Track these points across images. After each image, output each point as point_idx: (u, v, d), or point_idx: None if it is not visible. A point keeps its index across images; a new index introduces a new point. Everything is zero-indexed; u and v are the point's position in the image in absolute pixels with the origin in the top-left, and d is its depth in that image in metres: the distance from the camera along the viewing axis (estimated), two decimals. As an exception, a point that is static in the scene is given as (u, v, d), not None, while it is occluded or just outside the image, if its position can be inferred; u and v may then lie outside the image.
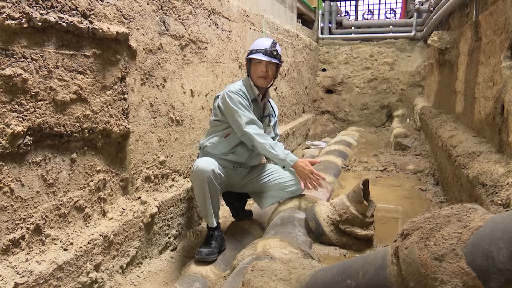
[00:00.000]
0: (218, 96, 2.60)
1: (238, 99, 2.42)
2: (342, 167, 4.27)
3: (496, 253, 0.88)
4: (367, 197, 2.17)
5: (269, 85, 2.61)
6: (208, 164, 2.28)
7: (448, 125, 3.50)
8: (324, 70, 8.89)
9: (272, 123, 2.76)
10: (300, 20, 7.57)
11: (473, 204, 1.05)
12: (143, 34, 2.30)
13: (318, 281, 1.34)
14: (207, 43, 3.14)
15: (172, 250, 2.61)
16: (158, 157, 2.53)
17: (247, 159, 2.62)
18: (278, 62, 2.52)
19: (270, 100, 2.77)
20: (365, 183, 2.15)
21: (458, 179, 2.44)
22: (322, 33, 9.06)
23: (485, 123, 2.51)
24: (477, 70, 2.86)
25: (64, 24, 1.67)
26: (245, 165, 2.65)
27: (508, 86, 2.02)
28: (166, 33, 2.54)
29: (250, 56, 2.51)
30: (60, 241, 1.74)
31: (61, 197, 1.76)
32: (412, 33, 8.21)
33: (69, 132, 1.77)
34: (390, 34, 8.54)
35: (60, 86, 1.70)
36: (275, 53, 2.48)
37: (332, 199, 2.40)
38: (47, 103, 1.64)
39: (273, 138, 2.80)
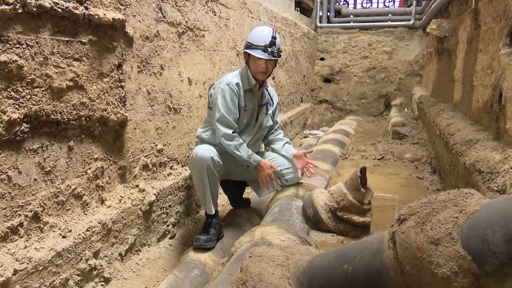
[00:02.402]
0: (213, 85, 2.60)
1: (227, 95, 2.42)
2: (340, 156, 4.28)
3: (491, 237, 0.89)
4: (365, 184, 2.18)
5: (268, 77, 2.61)
6: (207, 151, 2.29)
7: (446, 113, 3.50)
8: (322, 59, 8.84)
9: (270, 112, 2.75)
10: (298, 8, 7.50)
11: (470, 189, 1.06)
12: (140, 21, 2.27)
13: (316, 266, 1.35)
14: (205, 30, 3.11)
15: (170, 238, 2.62)
16: (156, 145, 2.52)
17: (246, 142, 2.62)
18: (278, 56, 2.48)
19: (269, 88, 2.75)
20: (363, 170, 2.15)
21: (455, 167, 2.45)
22: (320, 22, 8.99)
23: (483, 111, 2.52)
24: (475, 58, 2.85)
25: (60, 9, 1.65)
26: None
27: (507, 74, 2.02)
28: (163, 20, 2.51)
29: (247, 51, 2.47)
30: (59, 229, 1.75)
31: (59, 184, 1.76)
32: (411, 22, 8.16)
33: (66, 119, 1.76)
34: (389, 23, 8.48)
35: (56, 73, 1.69)
36: (275, 50, 2.43)
37: (330, 187, 2.41)
38: (43, 90, 1.63)
39: (271, 127, 2.80)
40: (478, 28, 2.87)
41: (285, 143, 2.79)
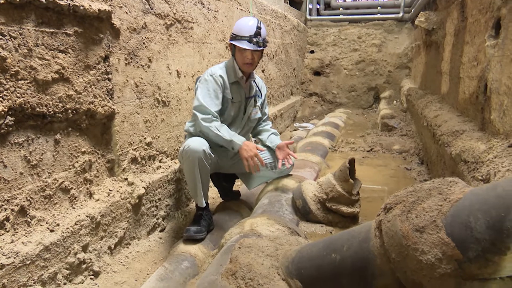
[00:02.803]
0: (199, 78, 2.57)
1: (209, 85, 2.40)
2: (330, 148, 4.30)
3: (474, 224, 0.91)
4: (353, 175, 2.20)
5: (254, 69, 2.59)
6: (199, 144, 2.28)
7: (434, 105, 3.54)
8: (312, 52, 8.84)
9: (258, 103, 2.73)
10: (288, 1, 7.47)
11: (454, 178, 1.08)
12: (127, 13, 2.24)
13: (304, 255, 1.37)
14: (193, 22, 3.09)
15: (160, 231, 2.62)
16: (145, 138, 2.51)
17: None
18: (264, 47, 2.47)
19: (257, 80, 2.73)
20: (351, 162, 2.17)
21: (442, 157, 2.49)
22: (310, 14, 8.97)
23: (469, 102, 2.55)
24: (462, 50, 2.88)
25: (44, 0, 1.62)
26: None
27: (492, 65, 2.05)
28: (150, 12, 2.48)
29: (233, 43, 2.46)
30: (46, 222, 1.73)
31: (45, 178, 1.74)
32: (400, 15, 8.19)
33: (52, 112, 1.74)
34: (378, 16, 8.50)
35: (41, 65, 1.66)
36: (260, 41, 2.43)
37: (319, 178, 2.43)
38: (28, 83, 1.61)
39: (260, 118, 2.79)
40: (464, 20, 2.89)
41: (271, 134, 2.77)
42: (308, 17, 8.89)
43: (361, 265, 1.15)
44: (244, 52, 2.43)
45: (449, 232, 0.95)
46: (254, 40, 2.40)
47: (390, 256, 1.06)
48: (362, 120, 6.84)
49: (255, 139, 2.96)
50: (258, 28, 2.44)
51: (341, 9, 9.12)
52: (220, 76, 2.45)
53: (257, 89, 2.73)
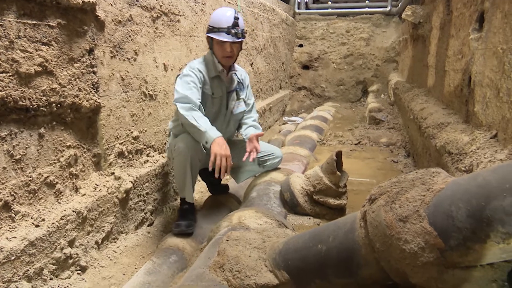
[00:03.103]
0: (179, 75, 2.44)
1: (188, 78, 2.29)
2: (318, 142, 4.32)
3: (455, 213, 0.92)
4: (340, 168, 2.22)
5: (235, 61, 2.51)
6: (192, 140, 2.25)
7: (420, 98, 3.58)
8: (301, 45, 8.84)
9: (242, 96, 2.65)
10: (276, -6, 7.45)
11: (437, 168, 1.09)
12: (111, 4, 2.21)
13: (291, 247, 1.38)
14: (180, 15, 3.06)
15: (148, 225, 2.61)
16: (132, 132, 2.49)
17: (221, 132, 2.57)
18: (242, 37, 2.37)
19: (238, 71, 2.62)
20: (338, 154, 2.19)
21: (427, 150, 2.52)
22: (298, 8, 8.96)
23: (454, 95, 2.58)
24: (447, 44, 2.91)
25: (25, -9, 1.59)
26: None
27: (475, 58, 2.08)
28: (136, 4, 2.45)
29: (210, 35, 2.37)
30: (31, 218, 1.71)
31: (30, 173, 1.72)
32: (388, 8, 8.23)
33: (36, 106, 1.71)
34: (366, 9, 8.54)
35: (24, 57, 1.63)
36: (239, 31, 2.34)
37: (307, 171, 2.44)
38: (10, 76, 1.58)
39: (244, 111, 2.71)
40: (450, 14, 2.92)
41: (249, 126, 2.64)
42: (297, 10, 8.88)
43: (347, 255, 1.16)
44: (223, 45, 2.35)
45: (431, 222, 0.96)
46: (233, 31, 2.31)
47: (374, 246, 1.08)
48: (350, 114, 6.89)
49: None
50: (236, 18, 2.34)
51: (329, 2, 9.14)
52: (199, 70, 2.36)
53: (239, 81, 2.63)
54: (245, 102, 2.66)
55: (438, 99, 3.17)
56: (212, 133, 2.17)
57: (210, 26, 2.37)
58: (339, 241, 1.20)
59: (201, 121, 2.19)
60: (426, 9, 4.15)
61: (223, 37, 2.32)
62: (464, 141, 1.79)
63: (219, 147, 2.14)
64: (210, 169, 2.18)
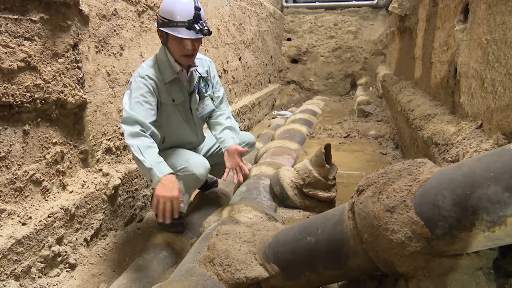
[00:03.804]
0: (130, 82, 2.03)
1: (137, 91, 1.90)
2: (307, 135, 4.34)
3: (441, 202, 0.94)
4: (329, 161, 2.23)
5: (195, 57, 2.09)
6: (202, 164, 2.09)
7: (407, 90, 3.61)
8: (289, 39, 8.83)
9: (209, 92, 2.25)
10: (264, -12, 7.41)
11: (423, 159, 1.11)
12: (96, -2, 2.17)
13: (281, 240, 1.38)
14: (166, 9, 3.02)
15: (138, 222, 2.60)
16: (119, 128, 2.46)
17: (196, 137, 2.31)
18: (208, 34, 1.94)
19: (199, 64, 2.19)
20: (327, 147, 2.19)
21: (415, 141, 2.55)
22: (286, 1, 8.93)
23: (440, 87, 2.61)
24: (433, 35, 2.93)
25: (5, -15, 1.55)
26: (195, 143, 2.38)
27: (461, 49, 2.10)
28: (120, -2, 2.41)
29: (166, 31, 1.91)
30: (18, 216, 1.69)
31: (15, 170, 1.69)
32: (375, 1, 8.26)
33: (19, 102, 1.68)
34: (354, 2, 8.55)
35: (5, 53, 1.60)
36: (205, 27, 1.92)
37: (297, 164, 2.45)
38: (-9, 72, 1.54)
39: (213, 110, 2.33)
40: (436, 6, 2.94)
41: (224, 128, 2.23)
42: (284, 4, 8.85)
43: (335, 247, 1.17)
44: (183, 42, 1.92)
45: (418, 211, 0.97)
46: (195, 26, 1.88)
47: (362, 237, 1.09)
48: (339, 107, 6.92)
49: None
50: (197, 9, 1.90)
51: (317, -4, 9.12)
52: (150, 77, 1.94)
53: (201, 76, 2.19)
54: (212, 98, 2.27)
55: (425, 90, 3.20)
56: (157, 170, 1.78)
57: (164, 19, 1.90)
58: (328, 233, 1.21)
59: (147, 154, 1.79)
60: (412, 1, 4.18)
61: (184, 34, 1.89)
62: (451, 132, 1.81)
63: (163, 188, 1.75)
64: (154, 212, 1.83)
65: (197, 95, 2.17)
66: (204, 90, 2.20)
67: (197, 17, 1.89)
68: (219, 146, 2.36)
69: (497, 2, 1.59)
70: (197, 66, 2.16)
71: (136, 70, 2.00)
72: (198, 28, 1.89)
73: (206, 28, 1.92)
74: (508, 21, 1.47)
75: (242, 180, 2.15)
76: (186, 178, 2.04)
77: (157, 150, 1.85)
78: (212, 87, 2.27)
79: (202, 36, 1.94)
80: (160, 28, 1.94)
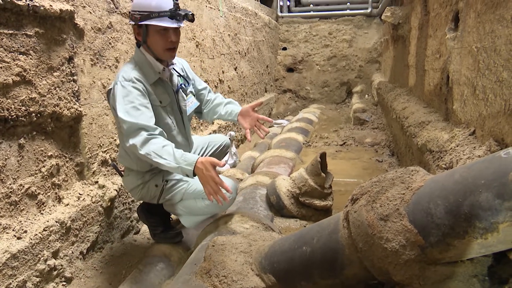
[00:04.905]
0: (110, 91, 1.90)
1: (130, 96, 1.78)
2: (304, 144, 4.35)
3: (434, 210, 0.94)
4: (325, 169, 2.24)
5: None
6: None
7: (402, 98, 3.64)
8: (284, 48, 8.90)
9: (190, 89, 2.16)
10: (259, -2, 7.49)
11: (416, 167, 1.12)
12: (90, 12, 2.19)
13: (277, 250, 1.38)
14: (161, 21, 3.04)
15: (135, 233, 2.58)
16: (115, 140, 2.46)
17: (187, 141, 2.17)
18: (193, 19, 1.88)
19: (176, 64, 2.11)
20: (322, 156, 2.20)
21: (410, 148, 2.56)
22: (281, 11, 9.02)
23: (434, 94, 2.63)
24: (426, 43, 2.97)
25: (0, 1, 1.56)
26: (187, 149, 2.16)
27: (452, 57, 2.12)
28: (115, 11, 2.43)
29: (149, 23, 1.79)
30: (13, 230, 1.68)
31: (10, 184, 1.69)
32: (369, 10, 8.36)
33: (15, 116, 1.68)
34: (348, 12, 8.64)
35: (1, 67, 1.60)
36: (190, 13, 1.85)
37: (293, 173, 2.45)
38: (-14, 86, 1.55)
39: (202, 100, 2.26)
40: (427, 14, 2.98)
41: (225, 104, 2.20)
42: (279, 14, 8.94)
43: (331, 256, 1.17)
44: (165, 34, 1.82)
45: (411, 219, 0.98)
46: (180, 13, 1.80)
47: (357, 246, 1.09)
48: (335, 115, 6.95)
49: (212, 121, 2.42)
50: None
51: (311, 5, 9.22)
52: (138, 79, 1.82)
53: (180, 74, 2.12)
54: (194, 94, 2.20)
55: (419, 98, 3.23)
56: (185, 165, 1.70)
57: (142, 12, 1.79)
58: (323, 242, 1.21)
59: (166, 154, 1.71)
60: (405, 10, 4.23)
61: (166, 23, 1.79)
62: (444, 139, 1.82)
63: (201, 176, 1.71)
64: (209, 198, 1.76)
65: (182, 92, 2.09)
66: (185, 87, 2.13)
67: (176, 5, 1.82)
68: (212, 147, 2.34)
69: (486, 11, 1.62)
70: (174, 64, 2.08)
71: (118, 75, 1.85)
72: (182, 14, 1.82)
73: (190, 13, 1.84)
74: (496, 29, 1.50)
75: (263, 137, 2.16)
76: (206, 210, 2.06)
77: (172, 144, 1.76)
78: (192, 85, 2.20)
79: (183, 24, 1.88)
80: (141, 23, 1.81)
